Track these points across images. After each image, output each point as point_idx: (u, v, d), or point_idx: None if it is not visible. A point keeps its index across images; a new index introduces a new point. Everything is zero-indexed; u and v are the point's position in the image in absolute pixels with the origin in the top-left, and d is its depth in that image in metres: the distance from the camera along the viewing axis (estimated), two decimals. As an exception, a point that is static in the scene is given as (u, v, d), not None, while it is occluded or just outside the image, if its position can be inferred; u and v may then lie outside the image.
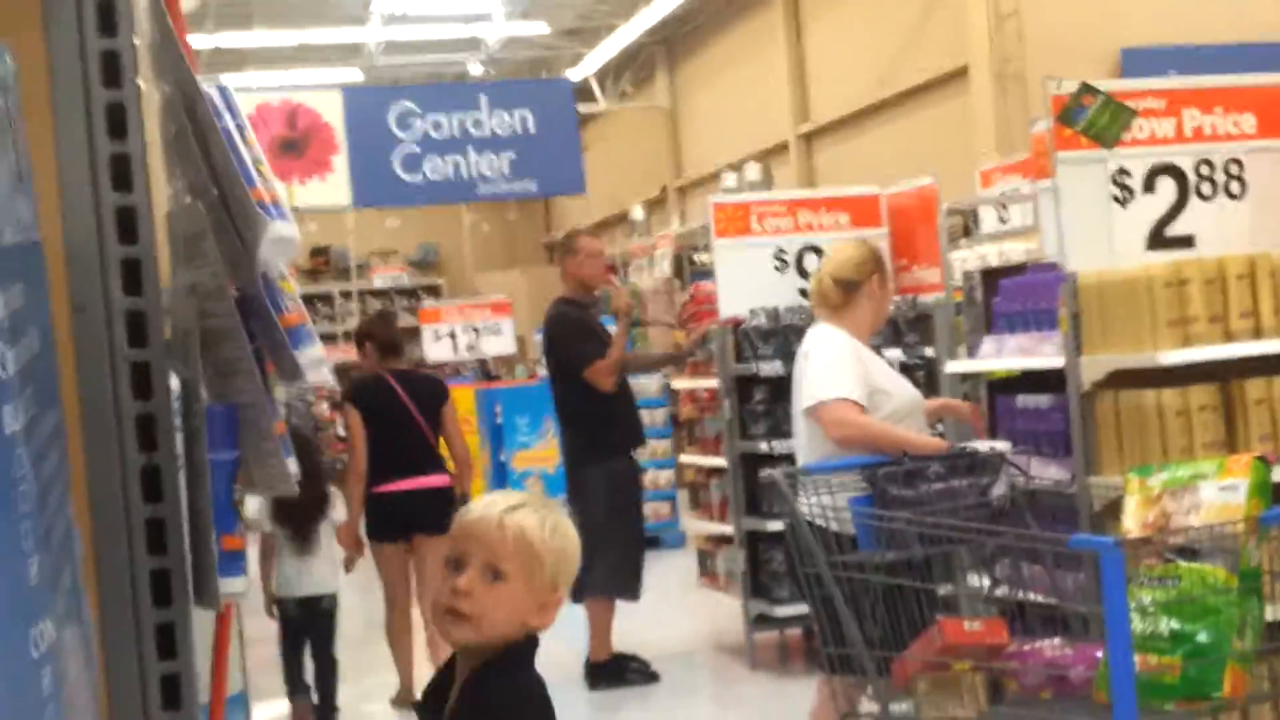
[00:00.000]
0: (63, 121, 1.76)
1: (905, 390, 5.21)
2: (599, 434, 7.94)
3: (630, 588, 7.96)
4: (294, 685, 7.37)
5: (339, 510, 7.58)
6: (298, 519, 7.07)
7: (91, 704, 1.36)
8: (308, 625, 7.23)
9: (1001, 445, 4.83)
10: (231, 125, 1.80)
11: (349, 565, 7.52)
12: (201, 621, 1.92)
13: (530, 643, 2.37)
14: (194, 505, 1.85)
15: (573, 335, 7.98)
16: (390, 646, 7.77)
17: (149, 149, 1.81)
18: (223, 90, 1.82)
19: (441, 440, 7.78)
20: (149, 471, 1.81)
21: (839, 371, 4.99)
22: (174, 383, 1.83)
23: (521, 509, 2.29)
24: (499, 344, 15.90)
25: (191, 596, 1.86)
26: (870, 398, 4.98)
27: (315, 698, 7.35)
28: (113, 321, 1.78)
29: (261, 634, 7.61)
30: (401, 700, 7.70)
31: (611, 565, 7.69)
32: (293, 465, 1.94)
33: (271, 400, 1.91)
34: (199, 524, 1.85)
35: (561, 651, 8.35)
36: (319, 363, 1.90)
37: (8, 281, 1.11)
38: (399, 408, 7.59)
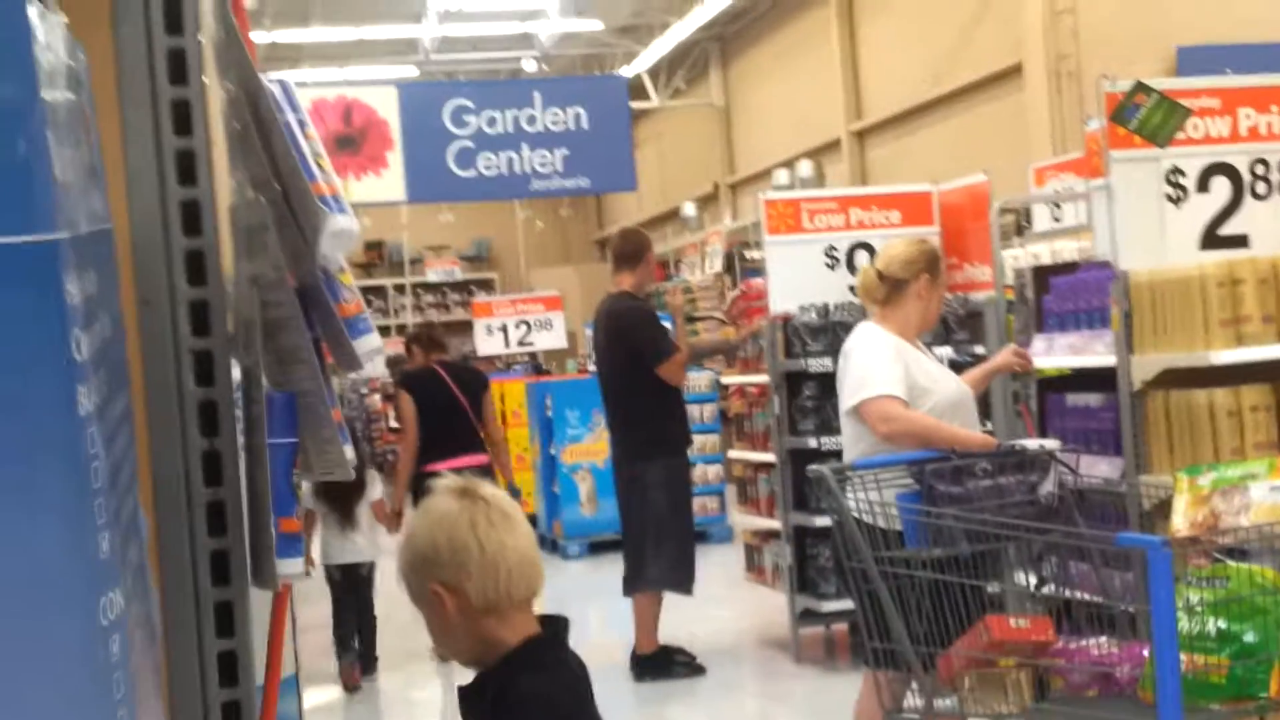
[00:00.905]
0: (130, 117, 1.81)
1: (949, 387, 5.19)
2: (662, 429, 8.07)
3: (685, 582, 8.08)
4: (342, 644, 8.33)
5: (376, 490, 8.38)
6: (341, 499, 8.04)
7: (155, 676, 1.42)
8: (350, 589, 8.23)
9: (1051, 443, 4.83)
10: (293, 120, 1.85)
11: (394, 528, 8.26)
12: (259, 602, 1.98)
13: (530, 645, 2.38)
14: (253, 489, 1.90)
15: (651, 329, 8.12)
16: None
17: (213, 144, 1.86)
18: (284, 86, 1.87)
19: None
20: (210, 456, 1.86)
21: (880, 369, 5.00)
22: (235, 371, 1.89)
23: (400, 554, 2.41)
24: (550, 338, 15.97)
25: (250, 577, 1.91)
26: (911, 395, 4.98)
27: (359, 650, 8.36)
28: (177, 311, 1.82)
29: (314, 621, 8.09)
30: (440, 655, 8.11)
31: (671, 560, 7.97)
32: (350, 452, 1.99)
33: (330, 388, 1.96)
34: (258, 507, 1.91)
35: (610, 643, 8.40)
36: (376, 352, 1.96)
37: (83, 268, 1.17)
38: (447, 394, 8.60)
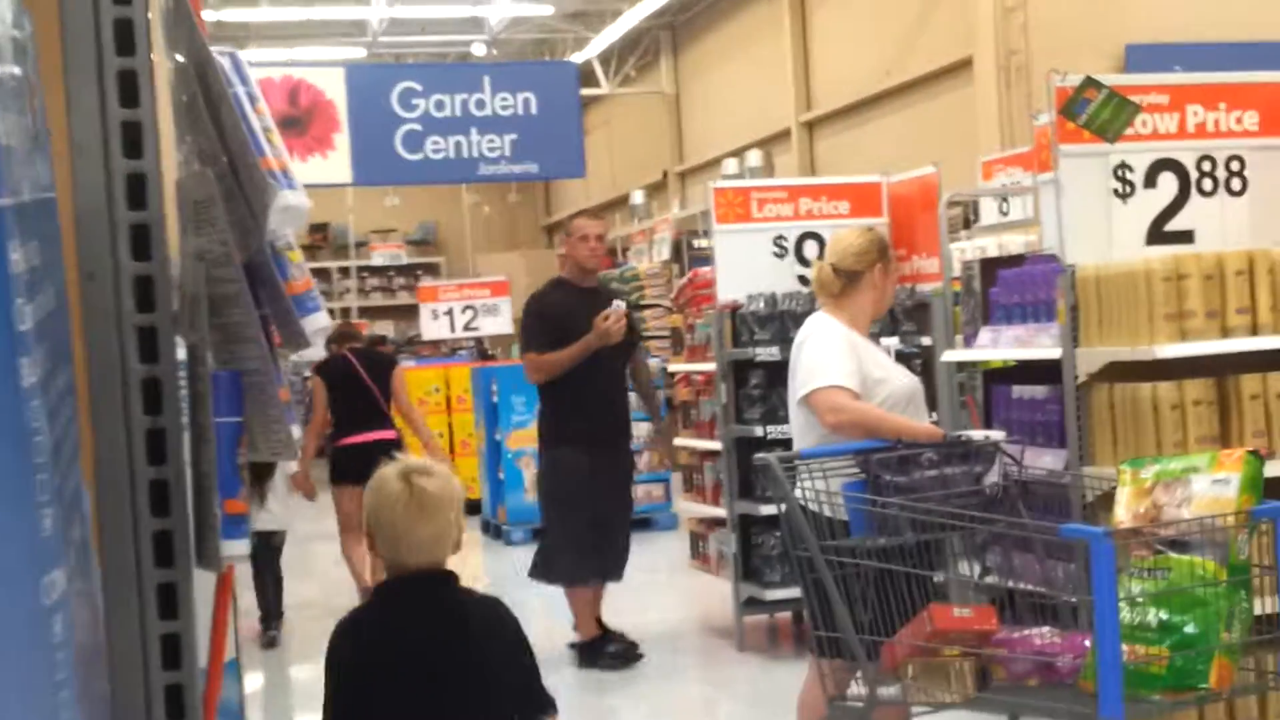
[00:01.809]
0: (75, 87, 1.78)
1: (901, 379, 5.20)
2: (551, 421, 8.12)
3: (568, 574, 8.04)
4: (266, 609, 9.26)
5: (293, 465, 9.04)
6: (256, 472, 8.37)
7: (99, 656, 1.39)
8: (262, 553, 8.85)
9: (996, 434, 4.85)
10: (243, 93, 1.82)
11: (309, 497, 9.73)
12: (203, 584, 1.95)
13: (376, 589, 3.51)
14: (198, 469, 1.87)
15: (526, 321, 8.15)
16: (346, 559, 9.75)
17: (160, 116, 1.83)
18: (234, 59, 1.84)
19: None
20: (154, 434, 1.83)
21: (832, 360, 4.99)
22: (181, 348, 1.85)
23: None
24: (496, 324, 15.93)
25: (193, 558, 1.88)
26: (864, 387, 4.99)
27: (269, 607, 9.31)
28: (121, 286, 1.79)
29: (254, 607, 8.27)
30: (363, 595, 9.21)
31: (549, 550, 8.11)
32: (296, 431, 1.96)
33: (277, 367, 1.93)
34: (202, 487, 1.88)
35: (552, 629, 8.39)
36: (324, 330, 1.93)
37: (26, 237, 1.14)
38: (356, 379, 9.65)
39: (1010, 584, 4.59)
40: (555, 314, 7.95)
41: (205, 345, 1.84)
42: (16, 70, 1.18)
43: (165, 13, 1.85)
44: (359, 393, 9.64)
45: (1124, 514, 3.92)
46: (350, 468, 9.21)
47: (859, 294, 5.17)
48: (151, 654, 1.89)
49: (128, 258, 1.79)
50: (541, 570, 8.12)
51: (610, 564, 8.08)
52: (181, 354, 1.86)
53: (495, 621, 3.27)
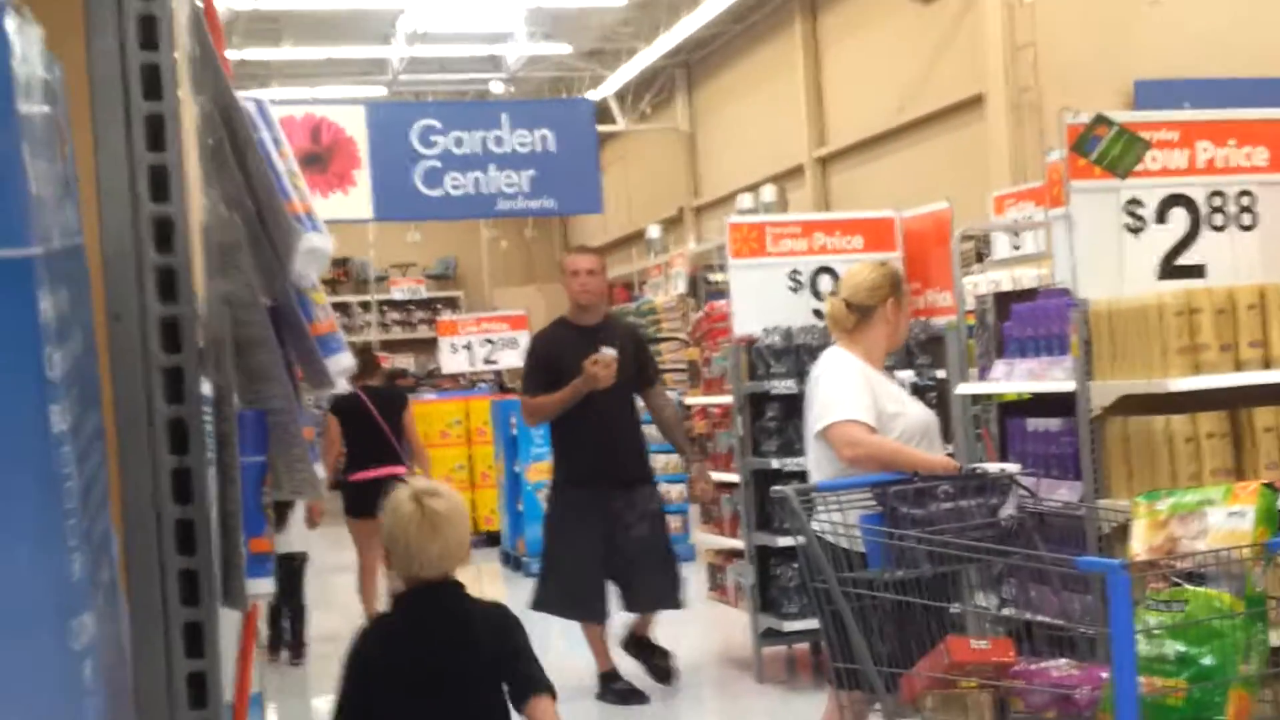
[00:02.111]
0: (103, 132, 1.81)
1: (915, 412, 5.22)
2: (553, 459, 8.24)
3: (558, 609, 8.10)
4: (273, 629, 9.63)
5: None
6: (277, 507, 8.98)
7: (125, 698, 1.41)
8: (282, 578, 8.92)
9: (1011, 467, 4.86)
10: (268, 138, 1.86)
11: (312, 524, 9.71)
12: (227, 622, 1.97)
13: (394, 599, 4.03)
14: (223, 508, 1.90)
15: (526, 359, 8.21)
16: (360, 594, 10.12)
17: (186, 160, 1.86)
18: (259, 104, 1.88)
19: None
20: (180, 474, 1.85)
21: (848, 394, 5.02)
22: (206, 388, 1.88)
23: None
24: (514, 357, 15.96)
25: (219, 597, 1.91)
26: (879, 421, 5.01)
27: (288, 636, 9.65)
28: (147, 328, 1.82)
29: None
30: None
31: (541, 583, 8.18)
32: (320, 470, 1.99)
33: (301, 407, 1.96)
34: (228, 526, 1.90)
35: (575, 663, 8.38)
36: (347, 370, 1.96)
37: (56, 284, 1.16)
38: (369, 417, 10.04)
39: (1027, 616, 4.60)
40: (550, 354, 7.90)
41: (231, 386, 1.87)
42: (47, 115, 1.21)
43: (192, 58, 1.88)
44: (371, 430, 10.04)
45: (1140, 546, 3.92)
46: (363, 502, 9.41)
47: (872, 328, 5.19)
48: (177, 693, 1.90)
49: (154, 300, 1.82)
50: (536, 602, 8.13)
51: (598, 604, 8.00)
52: (207, 394, 1.89)
53: (498, 620, 3.75)
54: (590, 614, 8.05)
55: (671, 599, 8.14)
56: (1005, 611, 4.82)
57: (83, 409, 1.24)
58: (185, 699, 1.91)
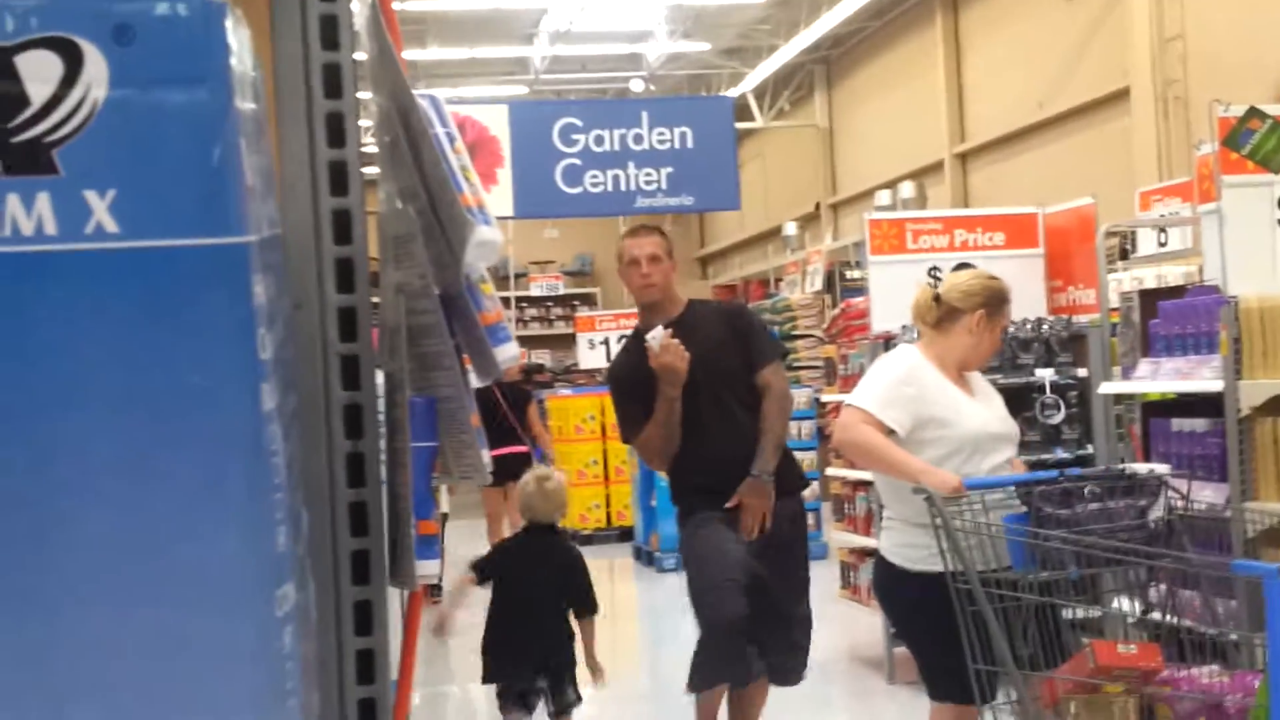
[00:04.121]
0: (286, 129, 1.88)
1: (974, 423, 4.84)
2: (675, 484, 6.02)
3: (693, 676, 5.81)
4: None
5: None
6: None
7: (316, 667, 1.47)
8: None
9: (1161, 467, 4.77)
10: (442, 134, 1.91)
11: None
12: (396, 601, 2.04)
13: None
14: (394, 491, 1.96)
15: (613, 400, 6.12)
16: (488, 537, 11.71)
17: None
18: (434, 101, 1.94)
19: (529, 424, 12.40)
20: (354, 458, 1.92)
21: (878, 386, 4.83)
22: (380, 375, 1.95)
23: None
24: (650, 354, 16.04)
25: (388, 577, 1.97)
26: (922, 428, 4.76)
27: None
28: (326, 316, 1.89)
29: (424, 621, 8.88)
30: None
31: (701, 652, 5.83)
32: (486, 456, 2.05)
33: (469, 394, 2.02)
34: (398, 509, 1.97)
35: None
36: (514, 360, 2.01)
37: (265, 271, 1.23)
38: (497, 406, 11.95)
39: (1173, 620, 4.54)
40: (633, 380, 5.78)
41: (404, 373, 1.93)
42: (256, 111, 1.27)
43: (370, 57, 1.95)
44: (497, 417, 11.92)
45: (1294, 550, 3.87)
46: (493, 473, 11.19)
47: (953, 333, 4.92)
48: (347, 669, 1.97)
49: (332, 290, 1.89)
50: (691, 680, 5.86)
51: (739, 666, 5.81)
52: (381, 381, 1.95)
53: (571, 555, 6.14)
54: (694, 683, 5.83)
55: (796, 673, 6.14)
56: (1151, 615, 4.75)
57: (285, 390, 1.31)
58: (354, 675, 1.98)
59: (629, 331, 6.46)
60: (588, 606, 6.01)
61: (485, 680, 6.09)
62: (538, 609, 5.97)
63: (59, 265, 1.13)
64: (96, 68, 1.17)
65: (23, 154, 1.18)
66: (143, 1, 1.15)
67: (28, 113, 1.19)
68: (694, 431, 5.74)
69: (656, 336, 5.59)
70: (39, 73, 1.17)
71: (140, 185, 1.13)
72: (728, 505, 5.66)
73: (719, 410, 5.72)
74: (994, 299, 4.95)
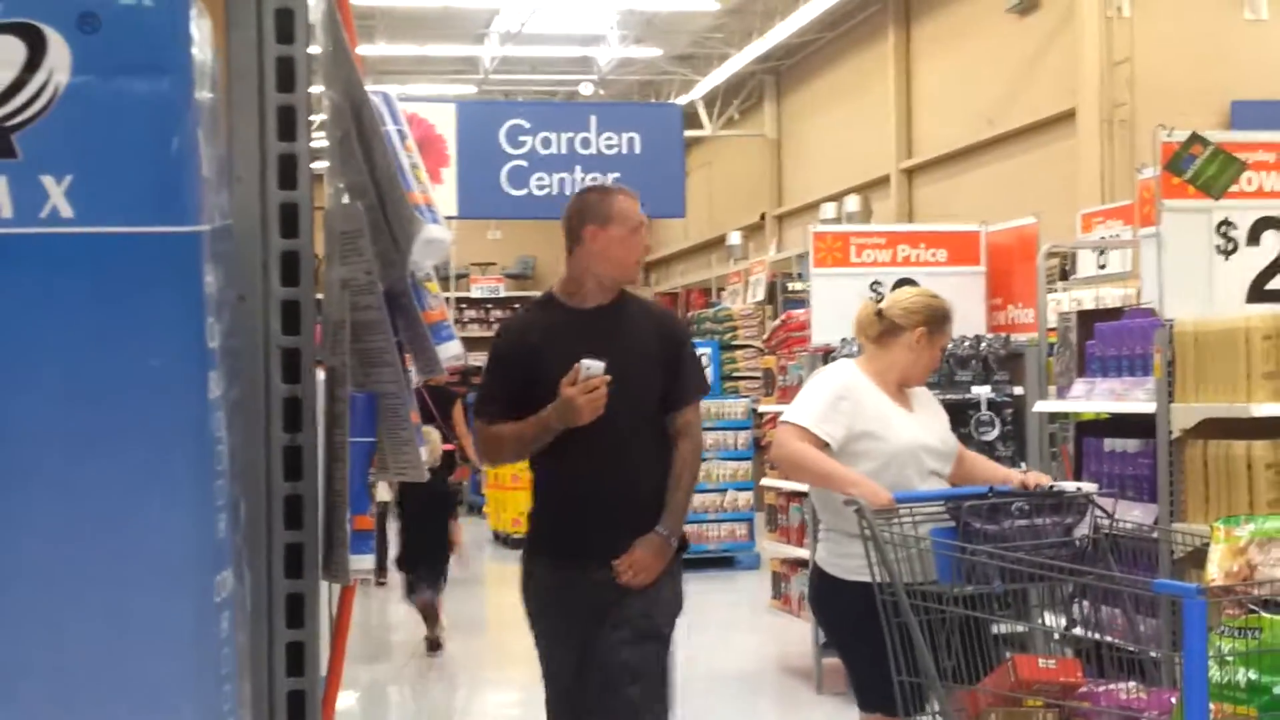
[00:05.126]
0: (237, 121, 1.89)
1: (904, 437, 4.85)
2: (530, 521, 4.94)
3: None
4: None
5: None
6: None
7: (248, 656, 1.49)
8: (429, 506, 11.19)
9: (1088, 486, 4.85)
10: (394, 131, 1.93)
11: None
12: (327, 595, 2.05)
13: None
14: (330, 485, 1.97)
15: (487, 366, 4.93)
16: None
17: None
18: (386, 98, 1.95)
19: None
20: (292, 451, 1.93)
21: (813, 401, 4.88)
22: (320, 370, 1.96)
23: None
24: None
25: (321, 570, 1.98)
26: (855, 440, 4.81)
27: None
28: (269, 309, 1.89)
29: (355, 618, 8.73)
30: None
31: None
32: (425, 454, 2.06)
33: (410, 391, 2.03)
34: (333, 504, 1.98)
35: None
36: (456, 358, 2.03)
37: (216, 261, 1.25)
38: (424, 407, 11.50)
39: (1095, 637, 4.59)
40: (513, 351, 4.75)
41: (345, 368, 1.95)
42: (213, 101, 1.29)
43: (324, 52, 1.96)
44: (427, 419, 11.96)
45: (1217, 572, 3.93)
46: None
47: (894, 349, 4.95)
48: (277, 660, 1.98)
49: (278, 283, 1.90)
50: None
51: None
52: (321, 376, 1.96)
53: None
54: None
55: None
56: (1074, 631, 4.81)
57: (229, 380, 1.32)
58: (284, 666, 1.98)
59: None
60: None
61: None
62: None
63: (13, 248, 1.15)
64: (60, 54, 1.18)
65: (-19, 137, 1.19)
66: (107, -10, 1.16)
67: (-12, 96, 1.20)
68: (584, 454, 4.55)
69: (595, 370, 4.43)
70: (1, 57, 1.18)
71: (97, 172, 1.15)
72: (615, 562, 4.51)
73: (622, 435, 4.55)
74: (935, 317, 4.99)
